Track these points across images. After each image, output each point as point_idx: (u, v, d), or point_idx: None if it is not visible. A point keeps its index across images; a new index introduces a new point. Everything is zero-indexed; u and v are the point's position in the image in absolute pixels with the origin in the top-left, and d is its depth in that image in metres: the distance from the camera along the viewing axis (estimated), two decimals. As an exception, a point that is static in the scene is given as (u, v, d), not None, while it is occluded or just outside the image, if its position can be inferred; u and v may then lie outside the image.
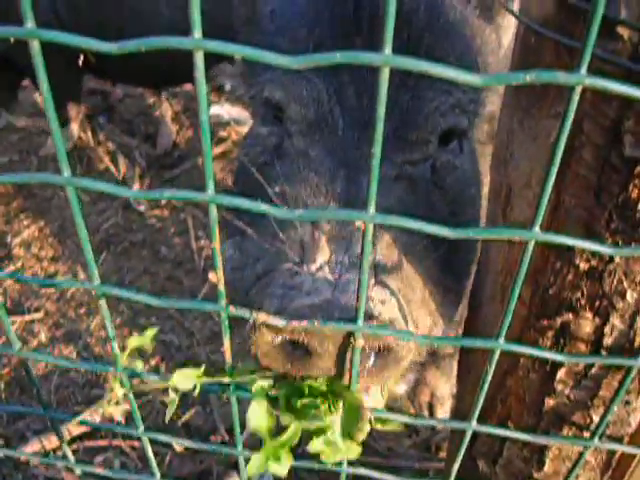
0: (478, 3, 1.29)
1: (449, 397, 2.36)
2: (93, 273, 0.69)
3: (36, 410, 0.96)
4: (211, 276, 0.76)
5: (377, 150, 0.53)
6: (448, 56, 1.18)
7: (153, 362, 2.56)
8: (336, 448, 0.77)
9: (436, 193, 1.18)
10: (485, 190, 1.19)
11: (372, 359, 0.89)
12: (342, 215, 0.59)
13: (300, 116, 1.17)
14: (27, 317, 2.79)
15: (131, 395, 0.88)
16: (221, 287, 0.67)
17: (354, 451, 0.79)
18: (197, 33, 0.47)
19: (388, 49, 0.45)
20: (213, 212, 0.61)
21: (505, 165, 0.84)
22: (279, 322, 0.72)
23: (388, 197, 1.07)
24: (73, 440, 2.34)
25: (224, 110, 3.87)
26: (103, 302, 0.73)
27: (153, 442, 2.21)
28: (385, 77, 0.47)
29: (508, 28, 1.33)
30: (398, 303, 0.92)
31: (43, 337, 2.69)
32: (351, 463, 0.86)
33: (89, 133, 3.75)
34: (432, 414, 2.39)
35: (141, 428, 0.92)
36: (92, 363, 0.85)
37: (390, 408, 0.87)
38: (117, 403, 2.46)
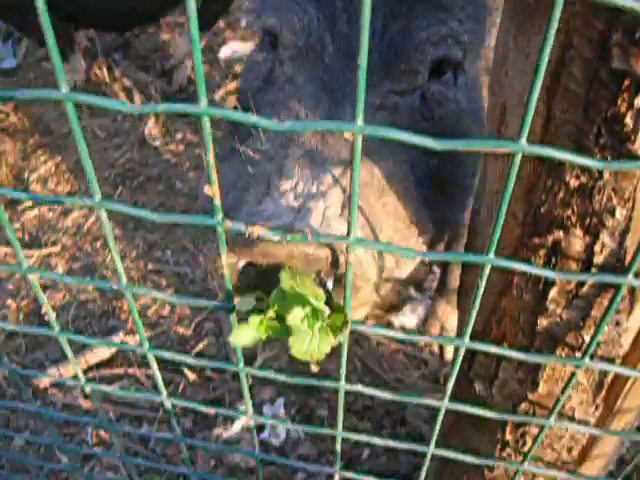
0: None
1: (458, 330, 2.39)
2: (94, 189, 0.70)
3: (55, 332, 0.99)
4: (206, 189, 0.77)
5: (363, 63, 0.54)
6: None
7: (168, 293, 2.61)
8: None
9: (424, 124, 1.18)
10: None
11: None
12: (330, 126, 0.59)
13: (291, 42, 1.17)
14: (44, 251, 2.83)
15: (135, 313, 0.90)
16: (217, 201, 0.69)
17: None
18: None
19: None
20: (206, 125, 0.62)
21: (500, 84, 0.84)
22: (274, 236, 0.73)
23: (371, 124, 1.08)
24: (89, 369, 2.40)
25: (238, 46, 3.85)
26: (104, 215, 0.74)
27: (167, 370, 2.27)
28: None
29: None
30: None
31: (60, 270, 2.74)
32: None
33: (104, 69, 3.75)
34: (442, 348, 2.42)
35: (146, 345, 0.94)
36: (99, 281, 0.87)
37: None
38: (131, 332, 2.51)
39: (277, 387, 2.29)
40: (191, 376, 2.32)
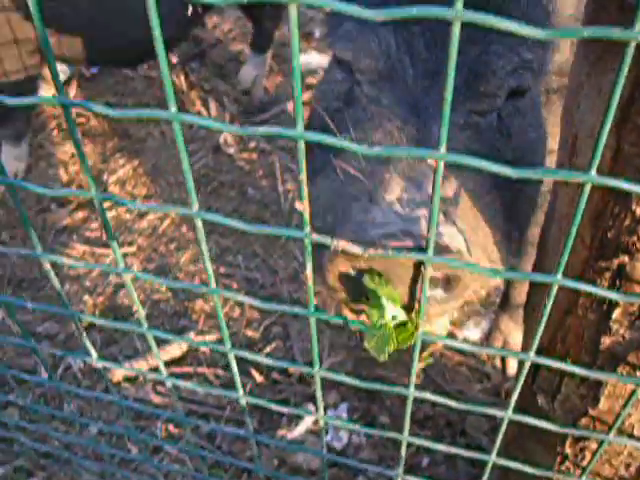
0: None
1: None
2: (193, 200, 0.78)
3: (136, 327, 1.07)
4: (298, 205, 0.82)
5: (448, 96, 0.59)
6: (518, 12, 1.21)
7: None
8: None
9: (501, 141, 1.24)
10: (554, 143, 1.23)
11: (439, 290, 0.97)
12: (416, 153, 0.65)
13: (369, 67, 1.23)
14: (121, 250, 2.95)
15: (220, 312, 0.96)
16: (306, 215, 0.75)
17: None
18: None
19: (460, 4, 0.52)
20: (301, 147, 0.69)
21: (572, 116, 0.89)
22: (357, 249, 0.79)
23: (456, 143, 1.14)
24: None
25: (312, 57, 3.93)
26: (200, 224, 0.81)
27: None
28: (457, 31, 0.53)
29: None
30: (464, 238, 0.99)
31: (135, 269, 2.85)
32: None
33: (182, 77, 3.87)
34: (504, 362, 2.45)
35: (228, 344, 1.01)
36: (181, 282, 0.94)
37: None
38: (201, 332, 2.60)
39: (341, 393, 2.35)
40: (258, 378, 2.40)
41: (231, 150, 3.31)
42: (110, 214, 3.13)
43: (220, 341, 2.54)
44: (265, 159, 3.24)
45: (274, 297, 2.64)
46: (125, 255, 2.94)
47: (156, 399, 2.39)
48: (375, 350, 0.87)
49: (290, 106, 3.57)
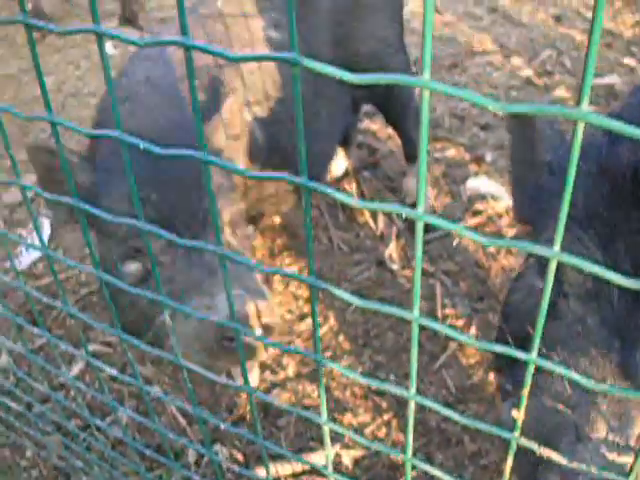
0: None
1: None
2: (312, 267, 0.85)
3: (260, 440, 1.13)
4: (514, 413, 0.86)
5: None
6: None
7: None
8: None
9: None
10: None
11: None
12: (626, 393, 0.69)
13: (578, 281, 1.25)
14: (278, 350, 3.08)
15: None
16: (519, 422, 0.81)
17: None
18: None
19: None
20: (529, 373, 0.75)
21: None
22: None
23: None
24: (302, 473, 2.57)
25: (482, 182, 3.98)
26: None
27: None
28: None
29: None
30: None
31: (290, 372, 2.96)
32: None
33: (354, 185, 4.04)
34: None
35: None
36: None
37: None
38: (348, 447, 2.64)
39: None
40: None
41: (395, 266, 3.41)
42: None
43: (364, 458, 2.59)
44: (426, 281, 3.30)
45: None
46: (281, 354, 3.06)
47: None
48: None
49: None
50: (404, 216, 0.67)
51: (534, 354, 0.72)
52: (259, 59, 0.70)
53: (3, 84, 5.35)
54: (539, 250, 0.62)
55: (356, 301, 0.83)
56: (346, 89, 2.94)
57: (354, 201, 0.72)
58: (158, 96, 2.24)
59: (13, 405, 2.03)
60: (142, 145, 0.83)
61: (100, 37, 0.80)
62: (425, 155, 0.64)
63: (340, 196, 0.73)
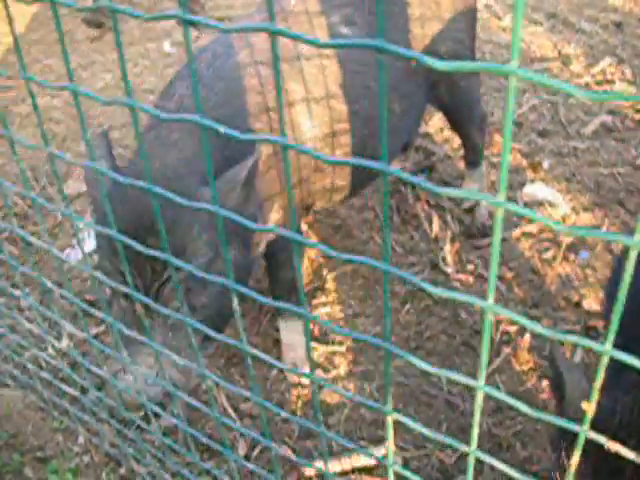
0: None
1: None
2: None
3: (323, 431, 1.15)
4: (584, 405, 0.84)
5: None
6: None
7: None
8: None
9: None
10: None
11: None
12: None
13: None
14: (330, 348, 3.09)
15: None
16: (589, 415, 0.80)
17: None
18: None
19: None
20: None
21: None
22: None
23: None
24: (351, 471, 2.58)
25: (539, 189, 3.94)
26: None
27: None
28: None
29: None
30: None
31: (342, 370, 2.98)
32: None
33: (409, 189, 4.03)
34: None
35: None
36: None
37: None
38: (398, 447, 2.64)
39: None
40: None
41: (449, 269, 3.40)
42: (324, 309, 3.29)
43: (413, 459, 2.58)
44: (479, 284, 3.29)
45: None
46: (334, 353, 3.07)
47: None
48: None
49: (513, 234, 3.60)
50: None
51: (608, 345, 0.72)
52: (345, 46, 0.72)
53: (63, 80, 5.46)
54: (616, 238, 0.62)
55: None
56: (420, 87, 2.93)
57: (432, 187, 0.72)
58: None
59: (70, 390, 2.07)
60: (223, 129, 0.85)
61: (186, 24, 0.82)
62: (509, 144, 0.65)
63: (419, 181, 0.73)
